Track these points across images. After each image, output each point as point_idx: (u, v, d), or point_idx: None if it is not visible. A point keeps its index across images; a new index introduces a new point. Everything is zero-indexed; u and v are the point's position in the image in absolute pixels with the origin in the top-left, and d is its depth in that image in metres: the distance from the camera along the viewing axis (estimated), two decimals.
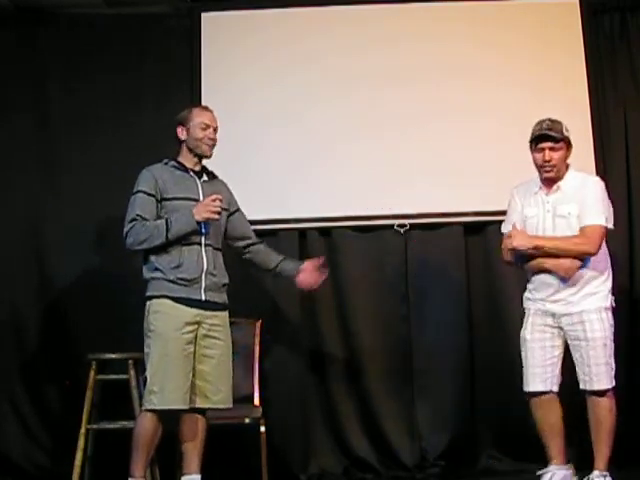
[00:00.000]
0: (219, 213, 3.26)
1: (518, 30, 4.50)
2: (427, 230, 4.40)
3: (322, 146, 4.43)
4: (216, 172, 4.43)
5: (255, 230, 4.38)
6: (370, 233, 4.42)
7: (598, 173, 4.38)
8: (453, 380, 4.29)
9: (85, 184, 4.37)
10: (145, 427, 3.15)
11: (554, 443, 3.44)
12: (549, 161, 3.38)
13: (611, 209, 3.41)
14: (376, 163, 4.39)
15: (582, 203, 3.34)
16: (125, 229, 3.22)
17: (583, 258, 3.31)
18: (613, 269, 3.48)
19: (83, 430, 3.70)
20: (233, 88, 4.50)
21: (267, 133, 4.46)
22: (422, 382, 4.31)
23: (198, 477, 3.27)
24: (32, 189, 4.41)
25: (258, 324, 4.26)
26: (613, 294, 3.42)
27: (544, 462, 3.50)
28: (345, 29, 4.52)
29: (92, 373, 3.76)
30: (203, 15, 4.56)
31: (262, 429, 3.91)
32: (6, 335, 4.27)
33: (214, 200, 3.24)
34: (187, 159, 3.38)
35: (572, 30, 4.50)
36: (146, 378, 3.15)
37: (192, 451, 3.27)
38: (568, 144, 3.41)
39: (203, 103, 4.45)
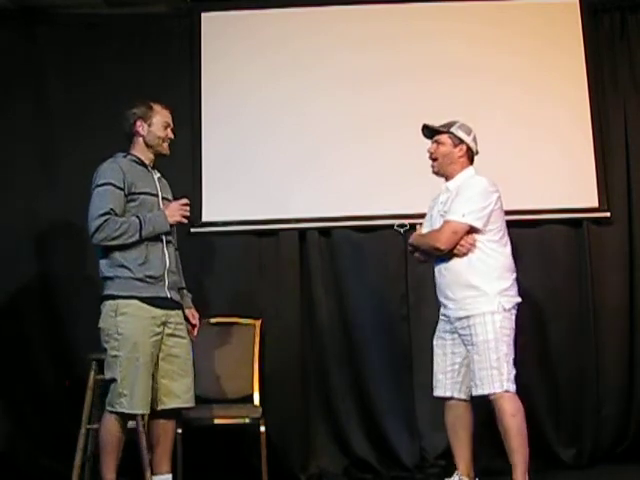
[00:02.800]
0: (188, 217, 3.29)
1: (518, 30, 4.50)
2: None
3: (322, 146, 4.42)
4: (216, 172, 4.47)
5: (255, 230, 4.43)
6: (370, 233, 4.42)
7: (598, 173, 4.39)
8: None
9: (85, 183, 4.36)
10: (113, 430, 3.16)
11: (458, 451, 3.39)
12: (430, 153, 3.46)
13: (485, 211, 3.28)
14: (376, 163, 4.39)
15: (456, 197, 3.33)
16: (95, 222, 3.12)
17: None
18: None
19: (83, 430, 3.69)
20: (233, 88, 4.50)
21: (267, 133, 4.46)
22: (422, 382, 4.29)
23: (169, 477, 3.27)
24: (32, 189, 4.40)
25: (258, 324, 4.27)
26: (520, 295, 3.34)
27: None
28: (345, 29, 4.52)
29: (92, 373, 3.75)
30: (203, 15, 4.56)
31: (262, 429, 3.91)
32: (6, 335, 4.27)
33: (184, 204, 3.27)
34: (144, 154, 3.34)
35: (572, 30, 4.50)
36: (112, 380, 3.14)
37: (163, 452, 3.26)
38: (457, 143, 3.41)
39: (203, 103, 4.49)
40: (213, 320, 4.27)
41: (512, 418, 3.18)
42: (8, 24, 4.51)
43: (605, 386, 4.26)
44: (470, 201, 3.29)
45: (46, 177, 4.42)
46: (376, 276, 4.40)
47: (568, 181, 4.37)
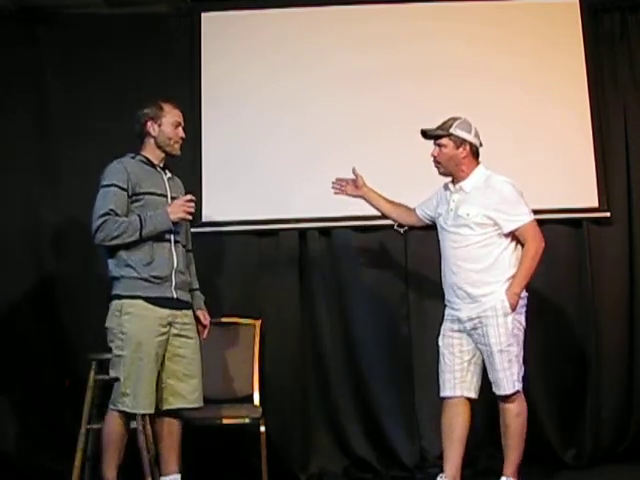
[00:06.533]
0: (192, 214, 3.26)
1: (518, 30, 4.50)
2: (427, 230, 4.39)
3: (322, 146, 4.42)
4: (216, 172, 4.47)
5: (255, 230, 4.43)
6: (370, 233, 4.42)
7: (598, 173, 4.39)
8: None
9: (85, 183, 4.36)
10: (116, 429, 3.18)
11: (449, 452, 3.37)
12: (434, 157, 3.42)
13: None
14: (376, 163, 4.37)
15: (498, 207, 3.28)
16: (96, 223, 3.16)
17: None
18: None
19: (83, 430, 3.69)
20: (233, 88, 4.50)
21: (267, 133, 4.46)
22: (422, 382, 4.30)
23: (178, 476, 3.27)
24: (32, 189, 4.41)
25: (258, 324, 4.27)
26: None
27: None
28: (345, 29, 4.52)
29: (92, 373, 3.74)
30: (203, 15, 4.56)
31: (262, 429, 3.92)
32: (6, 335, 4.27)
33: (189, 200, 3.24)
34: (154, 155, 3.34)
35: (572, 30, 4.50)
36: (116, 379, 3.16)
37: (169, 451, 3.26)
38: (459, 144, 3.37)
39: (203, 103, 4.48)
40: (213, 320, 4.26)
41: (516, 418, 3.23)
42: (8, 24, 4.51)
43: (605, 386, 4.27)
44: (520, 202, 3.31)
45: (46, 177, 4.42)
46: (376, 276, 4.40)
47: (568, 181, 4.37)
